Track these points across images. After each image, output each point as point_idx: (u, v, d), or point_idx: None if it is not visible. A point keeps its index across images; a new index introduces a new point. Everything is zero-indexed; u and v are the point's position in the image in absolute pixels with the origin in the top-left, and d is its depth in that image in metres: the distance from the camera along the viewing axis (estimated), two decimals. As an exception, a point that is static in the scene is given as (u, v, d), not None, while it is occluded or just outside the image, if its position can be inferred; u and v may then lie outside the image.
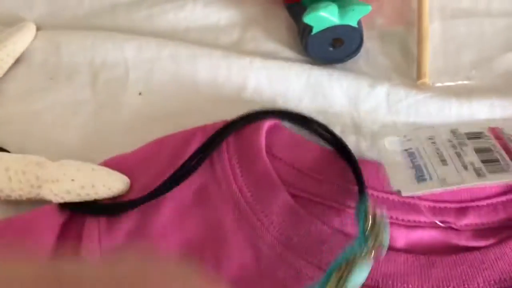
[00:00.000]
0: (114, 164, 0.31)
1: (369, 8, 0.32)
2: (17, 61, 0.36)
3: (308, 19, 0.32)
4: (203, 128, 0.32)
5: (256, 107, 0.33)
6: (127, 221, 0.30)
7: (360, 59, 0.36)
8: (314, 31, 0.33)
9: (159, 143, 0.32)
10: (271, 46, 0.36)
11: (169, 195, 0.30)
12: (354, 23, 0.33)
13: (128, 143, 0.32)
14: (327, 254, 0.28)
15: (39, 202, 0.30)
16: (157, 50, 0.35)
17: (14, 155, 0.30)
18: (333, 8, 0.32)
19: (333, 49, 0.34)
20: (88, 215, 0.30)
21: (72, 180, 0.29)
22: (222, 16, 0.38)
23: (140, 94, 0.35)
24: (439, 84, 0.35)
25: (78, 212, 0.30)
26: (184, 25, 0.38)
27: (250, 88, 0.34)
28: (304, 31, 0.34)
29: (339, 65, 0.35)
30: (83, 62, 0.36)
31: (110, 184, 0.30)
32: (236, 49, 0.36)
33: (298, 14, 0.35)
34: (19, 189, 0.29)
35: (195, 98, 0.34)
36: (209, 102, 0.34)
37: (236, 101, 0.34)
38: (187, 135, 0.32)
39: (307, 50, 0.34)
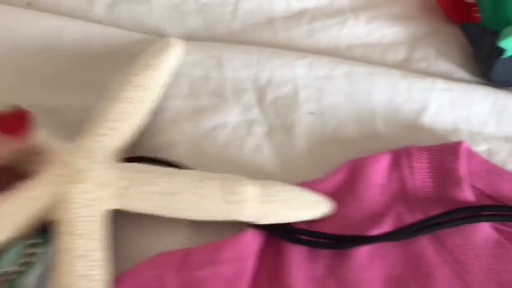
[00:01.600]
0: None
1: None
2: (177, 75, 0.35)
3: (504, 43, 0.31)
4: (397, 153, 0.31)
5: (436, 132, 0.32)
6: (327, 250, 0.29)
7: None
8: (505, 55, 0.32)
9: (351, 170, 0.31)
10: (442, 66, 0.35)
11: (366, 224, 0.29)
12: (548, 47, 0.32)
13: (306, 168, 0.31)
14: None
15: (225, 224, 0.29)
16: (330, 68, 0.34)
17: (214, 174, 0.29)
18: (531, 32, 0.31)
19: (517, 72, 0.33)
20: (286, 242, 0.29)
21: (282, 202, 0.28)
22: (386, 33, 0.37)
23: (312, 113, 0.34)
24: None
25: (287, 239, 0.29)
26: (346, 42, 0.37)
27: (431, 110, 0.33)
28: (489, 55, 0.32)
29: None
30: (247, 79, 0.35)
31: (315, 206, 0.29)
32: (404, 68, 0.35)
33: (476, 35, 0.34)
34: (214, 209, 0.28)
35: (371, 120, 0.33)
36: (386, 124, 0.33)
37: (414, 125, 0.33)
38: (380, 163, 0.31)
39: (491, 74, 0.33)
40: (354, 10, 0.38)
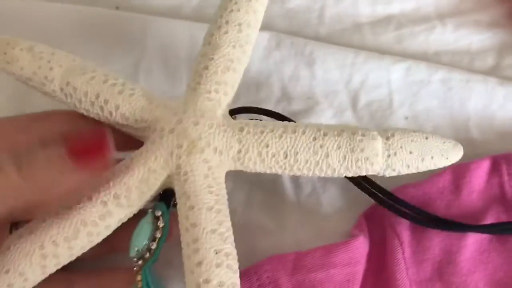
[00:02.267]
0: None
1: None
2: (267, 74, 0.36)
3: None
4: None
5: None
6: (433, 254, 0.29)
7: None
8: None
9: (452, 175, 0.31)
10: (536, 73, 0.36)
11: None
12: None
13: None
14: None
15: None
16: (428, 73, 0.35)
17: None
18: None
19: None
20: (391, 240, 0.29)
21: (410, 152, 0.26)
22: (473, 39, 0.37)
23: (406, 119, 0.34)
24: None
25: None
26: (434, 48, 0.37)
27: (526, 120, 0.33)
28: None
29: None
30: (340, 79, 0.36)
31: (446, 153, 0.27)
32: (494, 75, 0.36)
33: None
34: (337, 167, 0.26)
35: (465, 126, 0.34)
36: (480, 131, 0.33)
37: (510, 132, 0.33)
38: (480, 169, 0.31)
39: None
40: (441, 17, 0.38)
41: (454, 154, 0.27)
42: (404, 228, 0.30)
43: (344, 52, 0.36)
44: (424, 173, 0.28)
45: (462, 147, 0.27)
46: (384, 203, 0.30)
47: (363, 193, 0.31)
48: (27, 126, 0.28)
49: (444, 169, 0.31)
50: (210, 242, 0.23)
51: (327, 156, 0.25)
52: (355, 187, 0.31)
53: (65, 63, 0.28)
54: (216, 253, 0.23)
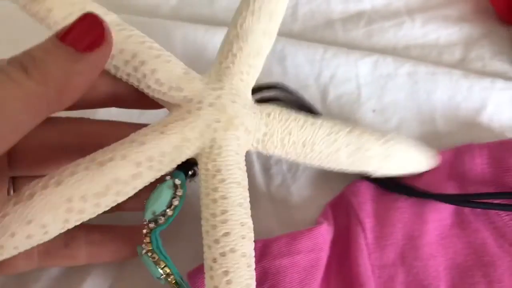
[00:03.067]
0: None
1: None
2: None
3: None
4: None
5: (494, 130, 0.34)
6: (395, 239, 0.31)
7: None
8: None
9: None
10: (498, 66, 0.37)
11: (432, 215, 0.31)
12: None
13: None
14: None
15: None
16: (394, 67, 0.36)
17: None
18: None
19: None
20: (354, 227, 0.31)
21: (399, 159, 0.30)
22: (441, 34, 0.38)
23: (374, 111, 0.35)
24: None
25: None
26: (403, 43, 0.38)
27: (489, 109, 0.34)
28: (547, 55, 0.34)
29: None
30: (310, 75, 0.37)
31: (425, 161, 0.31)
32: (461, 68, 0.37)
33: (532, 36, 0.35)
34: (344, 162, 0.29)
35: (430, 118, 0.35)
36: (446, 122, 0.35)
37: (473, 123, 0.35)
38: (443, 160, 0.32)
39: (547, 73, 0.35)
40: (410, 13, 0.39)
41: (430, 163, 0.31)
42: (367, 215, 0.31)
43: (314, 48, 0.37)
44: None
45: (438, 158, 0.32)
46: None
47: (330, 183, 0.33)
48: None
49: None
50: (237, 215, 0.24)
51: (338, 150, 0.28)
52: (326, 177, 0.33)
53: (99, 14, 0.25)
54: (242, 225, 0.24)
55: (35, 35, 0.23)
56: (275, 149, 0.27)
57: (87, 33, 0.22)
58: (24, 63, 0.21)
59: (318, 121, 0.28)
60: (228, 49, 0.28)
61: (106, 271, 0.30)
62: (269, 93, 0.35)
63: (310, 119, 0.28)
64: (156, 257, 0.26)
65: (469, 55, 0.38)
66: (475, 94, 0.35)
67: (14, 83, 0.20)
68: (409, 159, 0.30)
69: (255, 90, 0.31)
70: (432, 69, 0.36)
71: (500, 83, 0.35)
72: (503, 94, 0.35)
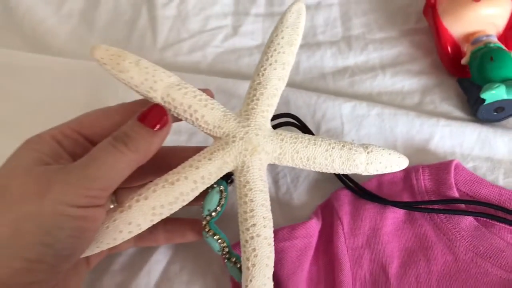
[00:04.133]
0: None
1: (528, 87, 0.46)
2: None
3: (484, 95, 0.46)
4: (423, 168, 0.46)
5: (438, 155, 0.47)
6: (363, 229, 0.44)
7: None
8: (486, 103, 0.46)
9: (378, 180, 0.46)
10: (445, 108, 0.50)
11: (389, 214, 0.44)
12: (515, 97, 0.46)
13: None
14: (505, 259, 0.42)
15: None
16: (367, 109, 0.50)
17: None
18: (503, 88, 0.45)
19: (496, 113, 0.48)
20: (335, 221, 0.44)
21: (380, 162, 0.39)
22: (405, 83, 0.52)
23: (353, 141, 0.49)
24: None
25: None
26: (377, 90, 0.52)
27: (435, 140, 0.48)
28: (476, 101, 0.47)
29: (501, 124, 0.49)
30: (307, 114, 0.51)
31: (400, 163, 0.40)
32: (418, 109, 0.51)
33: (468, 87, 0.49)
34: (337, 168, 0.39)
35: (394, 146, 0.48)
36: (404, 149, 0.48)
37: (424, 150, 0.48)
38: (396, 177, 0.46)
39: (477, 114, 0.48)
40: (382, 67, 0.53)
41: (403, 164, 0.41)
42: (344, 213, 0.44)
43: (310, 95, 0.51)
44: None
45: (408, 160, 0.41)
46: (346, 184, 0.45)
47: (321, 192, 0.46)
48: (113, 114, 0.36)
49: (372, 178, 0.46)
50: (261, 212, 0.36)
51: (333, 161, 0.38)
52: (318, 187, 0.46)
53: (165, 78, 0.35)
54: (264, 218, 0.36)
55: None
56: (287, 163, 0.38)
57: (157, 118, 0.34)
58: (124, 139, 0.33)
59: (318, 141, 0.38)
60: (253, 94, 0.38)
61: (168, 247, 0.44)
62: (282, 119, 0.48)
63: (312, 140, 0.38)
64: (217, 237, 0.39)
65: (425, 99, 0.51)
66: (425, 129, 0.48)
67: (121, 153, 0.32)
68: (387, 162, 0.40)
69: (273, 117, 0.43)
70: (394, 110, 0.49)
71: (443, 121, 0.48)
72: (445, 129, 0.48)
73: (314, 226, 0.44)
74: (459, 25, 0.50)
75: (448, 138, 0.48)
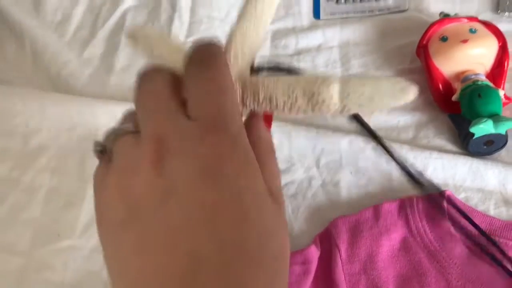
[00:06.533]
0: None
1: (515, 123, 0.49)
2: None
3: (473, 129, 0.49)
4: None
5: (433, 187, 0.50)
6: (360, 256, 0.46)
7: (502, 152, 0.52)
8: (475, 136, 0.49)
9: (375, 209, 0.49)
10: (438, 142, 0.53)
11: (385, 242, 0.47)
12: (503, 132, 0.49)
13: (347, 206, 0.50)
14: (496, 285, 0.44)
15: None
16: (363, 143, 0.53)
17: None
18: (490, 122, 0.48)
19: (486, 147, 0.50)
20: (333, 248, 0.47)
21: (362, 94, 0.28)
22: (400, 119, 0.56)
23: (351, 173, 0.52)
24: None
25: None
26: (374, 125, 0.55)
27: (429, 171, 0.51)
28: (466, 135, 0.50)
29: (491, 157, 0.52)
30: (308, 148, 0.54)
31: (399, 94, 0.27)
32: (413, 143, 0.54)
33: (459, 122, 0.52)
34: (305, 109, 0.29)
35: (389, 178, 0.51)
36: (398, 181, 0.51)
37: (417, 181, 0.51)
38: (392, 206, 0.49)
39: (468, 148, 0.51)
40: (379, 104, 0.57)
41: (404, 95, 0.27)
42: (342, 241, 0.47)
43: (310, 129, 0.55)
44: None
45: (414, 88, 0.27)
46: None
47: (319, 221, 0.49)
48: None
49: (370, 207, 0.49)
50: None
51: (296, 100, 0.29)
52: (318, 217, 0.49)
53: None
54: None
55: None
56: (252, 106, 0.29)
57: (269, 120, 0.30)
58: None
59: (285, 78, 0.29)
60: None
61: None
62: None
63: (277, 79, 0.29)
64: None
65: (419, 134, 0.54)
66: (418, 161, 0.51)
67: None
68: (374, 92, 0.27)
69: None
70: (387, 145, 0.52)
71: (435, 154, 0.51)
72: (438, 161, 0.51)
73: (313, 253, 0.47)
74: (449, 64, 0.54)
75: (441, 170, 0.51)
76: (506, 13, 0.61)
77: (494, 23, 0.56)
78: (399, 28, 0.63)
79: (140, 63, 0.27)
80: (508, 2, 0.61)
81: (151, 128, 0.24)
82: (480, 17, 0.57)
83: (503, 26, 0.56)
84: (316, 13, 0.66)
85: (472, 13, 0.60)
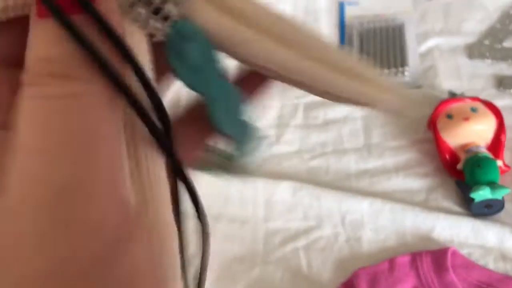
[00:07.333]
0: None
1: (508, 190, 0.57)
2: (293, 203, 0.66)
3: (473, 195, 0.58)
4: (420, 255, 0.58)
5: (439, 242, 0.59)
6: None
7: (501, 214, 0.60)
8: (476, 201, 0.58)
9: (390, 262, 0.58)
10: (446, 204, 0.63)
11: (399, 291, 0.56)
12: (499, 197, 0.58)
13: (367, 259, 0.59)
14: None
15: None
16: (382, 205, 0.63)
17: None
18: (488, 189, 0.57)
19: (487, 209, 0.59)
20: None
21: None
22: (414, 184, 0.65)
23: (371, 230, 0.62)
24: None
25: None
26: (391, 189, 0.65)
27: (436, 231, 0.60)
28: (469, 199, 0.59)
29: (492, 217, 0.60)
30: (334, 207, 0.64)
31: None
32: (424, 205, 0.63)
33: (463, 188, 0.61)
34: None
35: (403, 236, 0.61)
36: (412, 238, 0.60)
37: (428, 238, 0.60)
38: (404, 259, 0.58)
39: (471, 210, 0.60)
40: (396, 170, 0.67)
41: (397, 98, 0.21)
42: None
43: (336, 193, 0.65)
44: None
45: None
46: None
47: (345, 271, 0.59)
48: None
49: (385, 260, 0.58)
50: None
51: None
52: (342, 267, 0.59)
53: None
54: None
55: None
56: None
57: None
58: None
59: None
60: None
61: None
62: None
63: None
64: None
65: (430, 197, 0.64)
66: (428, 221, 0.60)
67: None
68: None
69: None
70: (403, 206, 0.62)
71: (442, 215, 0.60)
72: (444, 221, 0.60)
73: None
74: (454, 138, 0.64)
75: (447, 229, 0.60)
76: (510, 90, 0.70)
77: (495, 101, 0.65)
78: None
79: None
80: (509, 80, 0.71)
81: None
82: (485, 94, 0.67)
83: (505, 102, 0.66)
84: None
85: (478, 89, 0.70)
